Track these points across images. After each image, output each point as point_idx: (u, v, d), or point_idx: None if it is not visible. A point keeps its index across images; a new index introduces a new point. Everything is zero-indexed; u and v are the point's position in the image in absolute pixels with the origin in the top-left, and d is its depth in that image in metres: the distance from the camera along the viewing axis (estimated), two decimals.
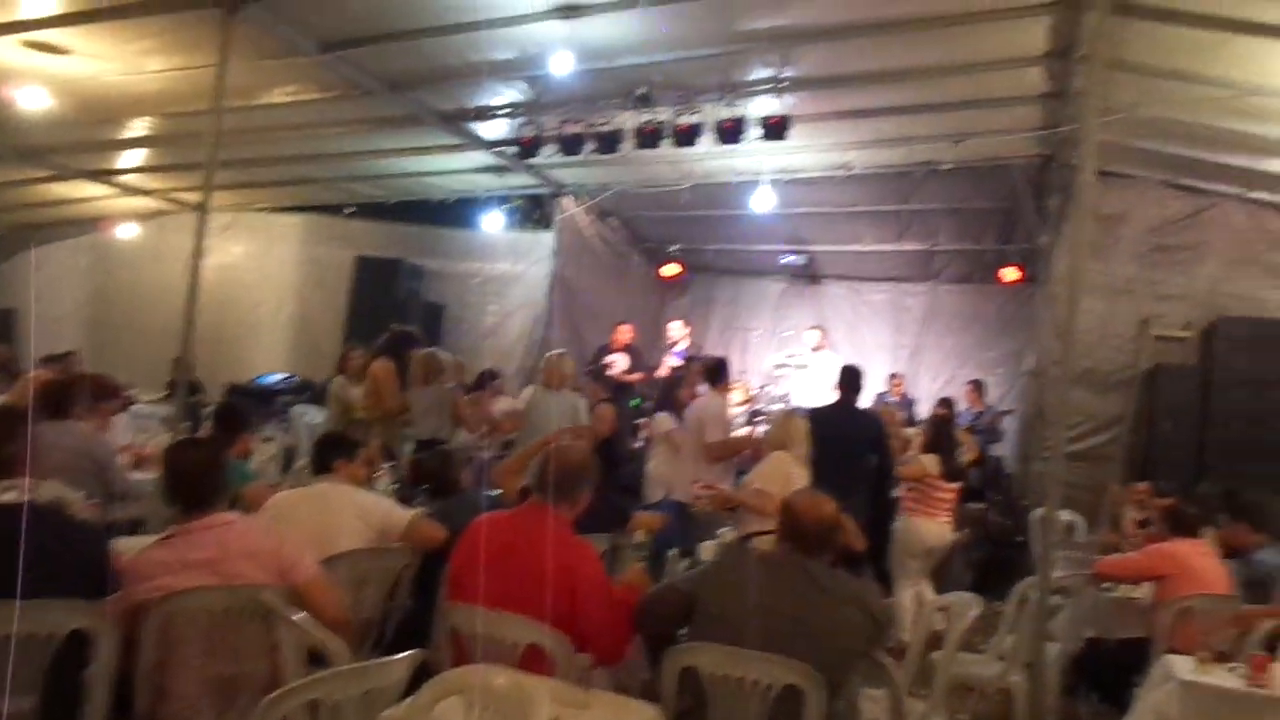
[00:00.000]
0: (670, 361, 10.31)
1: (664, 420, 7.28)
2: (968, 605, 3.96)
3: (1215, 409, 7.95)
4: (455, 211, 11.91)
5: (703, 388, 7.11)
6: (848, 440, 6.37)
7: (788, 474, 5.36)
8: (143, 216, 12.95)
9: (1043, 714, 4.42)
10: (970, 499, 8.59)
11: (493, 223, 11.59)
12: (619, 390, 9.71)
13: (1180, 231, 8.51)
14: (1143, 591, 4.96)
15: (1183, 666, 3.71)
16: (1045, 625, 4.62)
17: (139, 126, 9.35)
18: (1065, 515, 7.18)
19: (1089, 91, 5.17)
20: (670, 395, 7.97)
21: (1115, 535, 6.43)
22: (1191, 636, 4.11)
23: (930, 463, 6.45)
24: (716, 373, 7.00)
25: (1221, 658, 3.77)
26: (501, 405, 8.33)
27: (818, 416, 6.29)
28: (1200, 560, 4.65)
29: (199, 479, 3.15)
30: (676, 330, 10.98)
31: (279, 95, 8.13)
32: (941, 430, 6.90)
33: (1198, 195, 8.48)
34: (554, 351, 8.10)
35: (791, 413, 6.00)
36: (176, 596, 2.95)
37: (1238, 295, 8.37)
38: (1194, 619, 4.31)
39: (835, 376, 6.90)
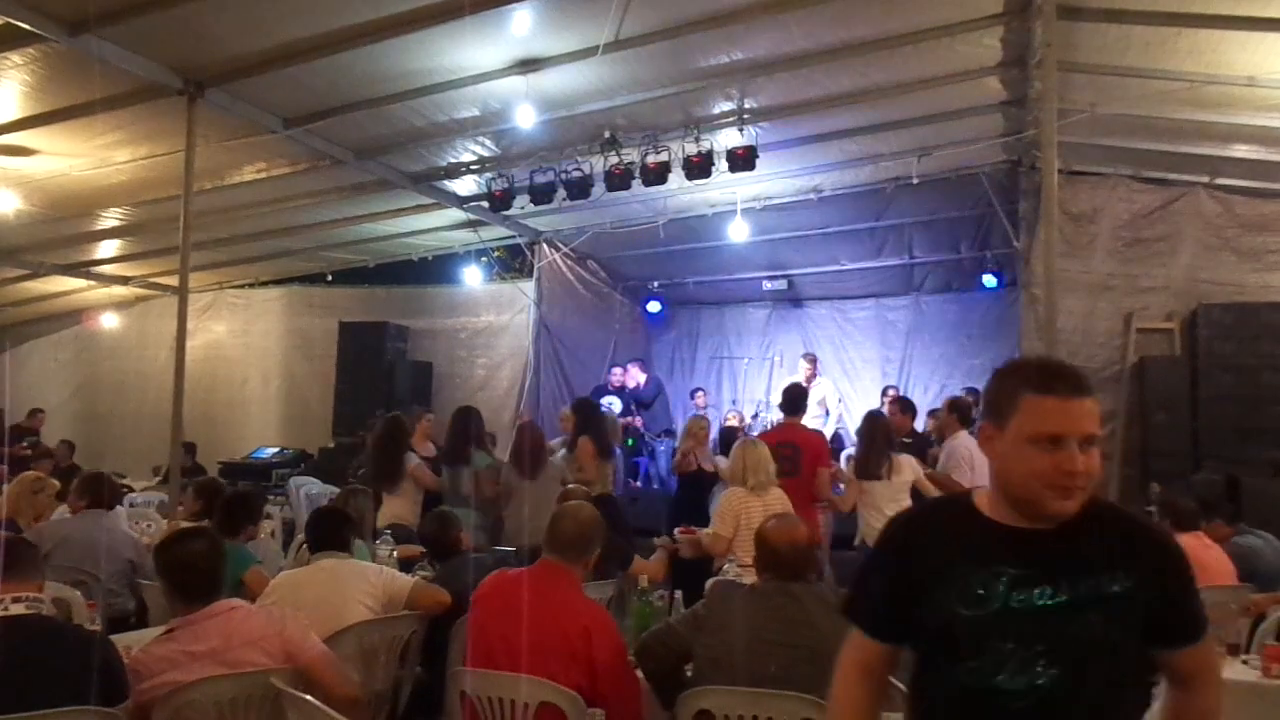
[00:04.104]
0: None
1: None
2: None
3: (1204, 397, 7.99)
4: (435, 269, 11.99)
5: None
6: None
7: (737, 511, 5.36)
8: (122, 305, 12.99)
9: None
10: None
11: (473, 277, 11.65)
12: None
13: (1153, 224, 8.58)
14: None
15: None
16: None
17: (112, 217, 9.38)
18: None
19: (1046, 95, 5.25)
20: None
21: None
22: None
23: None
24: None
25: (1233, 650, 3.74)
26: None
27: None
28: (1204, 553, 4.62)
29: (199, 571, 3.12)
30: (618, 375, 11.03)
31: (248, 173, 8.19)
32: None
33: (1167, 187, 8.58)
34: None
35: (749, 442, 5.93)
36: (184, 690, 2.91)
37: (1216, 282, 8.44)
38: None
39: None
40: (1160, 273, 8.57)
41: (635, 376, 11.00)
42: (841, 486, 6.59)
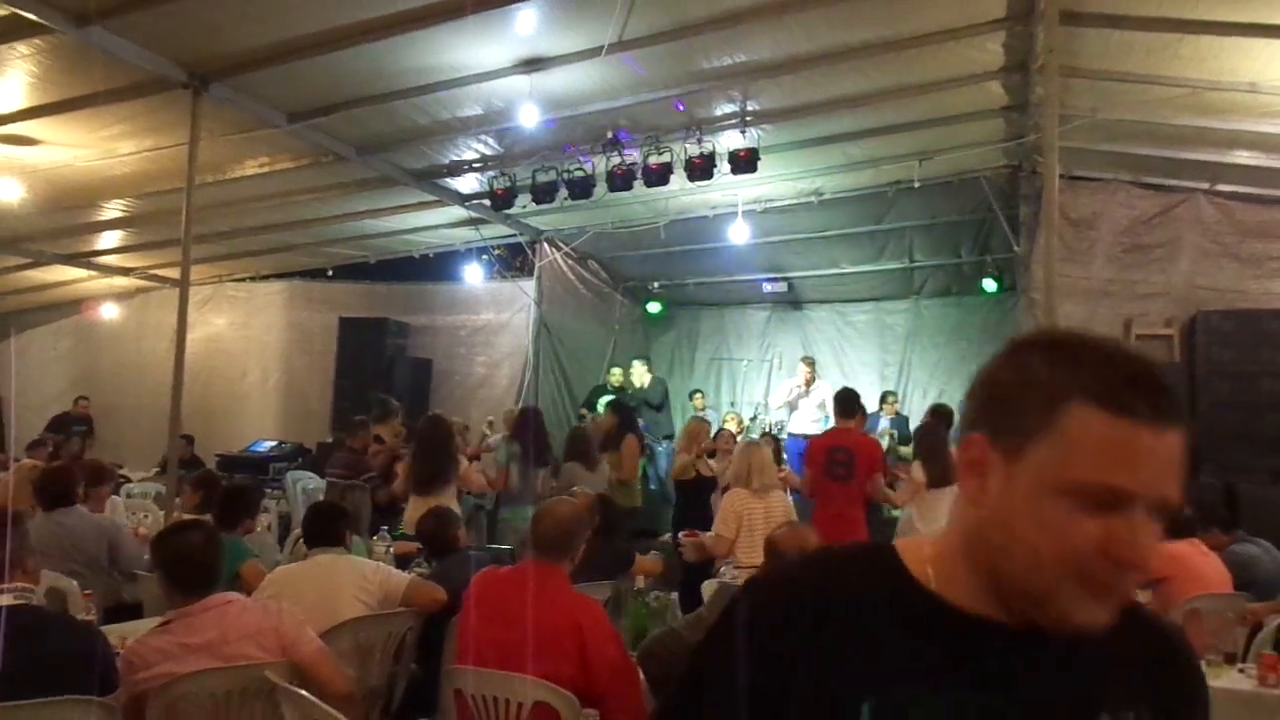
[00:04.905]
0: None
1: None
2: None
3: (1203, 403, 7.98)
4: (436, 266, 12.00)
5: None
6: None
7: (739, 512, 5.39)
8: (123, 296, 12.99)
9: None
10: None
11: (474, 275, 11.66)
12: None
13: (1153, 230, 8.58)
14: (1147, 596, 4.94)
15: None
16: None
17: (114, 208, 9.39)
18: None
19: (1047, 100, 5.25)
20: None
21: None
22: (1199, 639, 4.08)
23: (919, 472, 6.12)
24: None
25: (1230, 659, 3.74)
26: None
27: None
28: (1201, 560, 4.63)
29: (196, 564, 3.12)
30: (617, 376, 11.12)
31: (251, 167, 8.20)
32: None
33: (1167, 193, 8.57)
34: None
35: (753, 444, 5.92)
36: (179, 682, 2.92)
37: (1215, 288, 8.44)
38: (1201, 621, 4.28)
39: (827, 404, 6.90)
40: (1160, 279, 8.58)
41: (640, 376, 11.01)
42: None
